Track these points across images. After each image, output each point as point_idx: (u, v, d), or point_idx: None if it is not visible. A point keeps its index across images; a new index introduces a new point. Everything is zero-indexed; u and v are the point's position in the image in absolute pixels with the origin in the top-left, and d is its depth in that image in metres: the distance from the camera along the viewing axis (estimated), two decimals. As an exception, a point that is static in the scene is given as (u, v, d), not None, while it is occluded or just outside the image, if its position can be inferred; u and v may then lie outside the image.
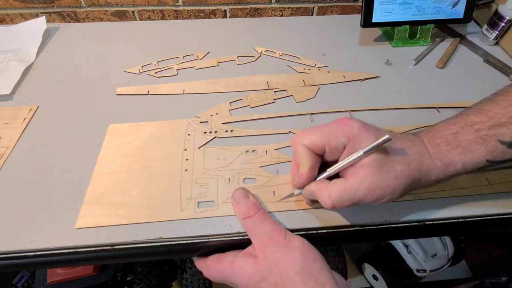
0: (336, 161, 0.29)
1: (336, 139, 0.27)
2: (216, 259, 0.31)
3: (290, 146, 0.41)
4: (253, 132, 0.42)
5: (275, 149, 0.40)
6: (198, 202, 0.35)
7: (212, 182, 0.36)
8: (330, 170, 0.29)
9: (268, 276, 0.26)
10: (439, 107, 0.46)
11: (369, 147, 0.26)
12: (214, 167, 0.38)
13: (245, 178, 0.37)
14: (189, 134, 0.42)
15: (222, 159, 0.39)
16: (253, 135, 0.42)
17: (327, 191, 0.27)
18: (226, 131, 0.42)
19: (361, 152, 0.26)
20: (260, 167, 0.38)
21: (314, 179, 0.30)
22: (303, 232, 0.33)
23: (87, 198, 0.35)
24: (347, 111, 0.45)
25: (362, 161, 0.27)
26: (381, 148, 0.26)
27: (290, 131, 0.42)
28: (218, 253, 0.32)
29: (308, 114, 0.45)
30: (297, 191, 0.32)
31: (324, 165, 0.30)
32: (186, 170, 0.38)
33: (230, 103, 0.47)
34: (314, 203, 0.33)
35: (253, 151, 0.40)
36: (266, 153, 0.40)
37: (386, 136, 0.25)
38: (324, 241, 0.33)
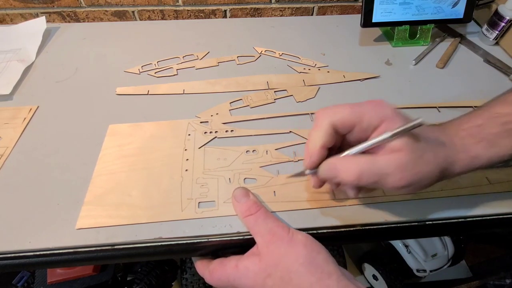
0: (355, 143, 0.27)
1: (369, 119, 0.26)
2: (220, 263, 0.30)
3: (290, 146, 0.41)
4: (254, 132, 0.42)
5: (276, 149, 0.40)
6: (199, 202, 0.35)
7: (213, 182, 0.36)
8: (355, 148, 0.27)
9: (274, 272, 0.26)
10: (439, 107, 0.46)
11: (399, 129, 0.24)
12: (215, 167, 0.38)
13: (245, 178, 0.37)
14: (189, 134, 0.42)
15: (222, 159, 0.39)
16: (253, 135, 0.42)
17: (355, 160, 0.26)
18: (227, 131, 0.42)
19: (389, 134, 0.25)
20: (261, 167, 0.38)
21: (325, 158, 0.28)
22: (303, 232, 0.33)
23: (88, 199, 0.35)
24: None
25: (392, 143, 0.25)
26: (412, 134, 0.25)
27: (290, 131, 0.42)
28: (221, 258, 0.31)
29: (308, 114, 0.45)
30: (308, 171, 0.29)
31: (338, 149, 0.29)
32: (186, 170, 0.38)
33: (230, 103, 0.47)
34: (322, 185, 0.31)
35: (253, 151, 0.40)
36: (267, 153, 0.40)
37: (419, 120, 0.24)
38: (324, 241, 0.33)
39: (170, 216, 0.33)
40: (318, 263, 0.26)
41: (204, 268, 0.31)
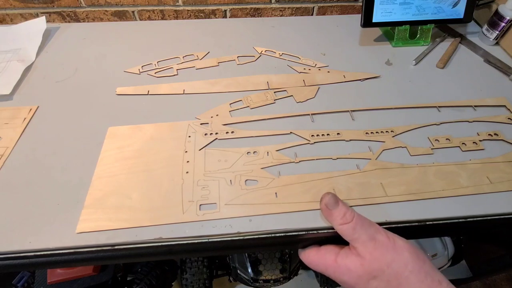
0: None
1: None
2: (317, 252, 0.32)
3: (291, 147, 0.41)
4: (254, 133, 0.42)
5: (277, 150, 0.40)
6: (200, 205, 0.34)
7: (214, 184, 0.36)
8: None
9: (380, 275, 0.27)
10: (439, 107, 0.46)
11: None
12: (215, 169, 0.38)
13: (246, 180, 0.37)
14: (189, 136, 0.42)
15: (223, 161, 0.39)
16: (254, 136, 0.42)
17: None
18: (227, 132, 0.42)
19: None
20: (262, 168, 0.38)
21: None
22: (304, 232, 0.33)
23: (88, 202, 0.35)
24: (348, 111, 0.45)
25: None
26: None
27: (291, 132, 0.42)
28: (316, 246, 0.33)
29: (309, 114, 0.45)
30: None
31: None
32: (187, 172, 0.37)
33: (230, 104, 0.47)
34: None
35: (254, 152, 0.40)
36: (268, 154, 0.39)
37: None
38: (324, 242, 0.33)
39: (172, 219, 0.33)
40: (426, 271, 0.27)
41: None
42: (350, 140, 0.41)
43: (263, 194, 0.35)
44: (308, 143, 0.41)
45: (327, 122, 0.44)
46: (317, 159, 0.39)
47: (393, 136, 0.42)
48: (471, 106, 0.46)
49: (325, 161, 0.39)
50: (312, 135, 0.42)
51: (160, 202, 0.35)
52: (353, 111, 0.45)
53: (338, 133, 0.42)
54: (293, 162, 0.39)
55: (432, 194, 0.35)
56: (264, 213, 0.34)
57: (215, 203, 0.35)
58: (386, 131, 0.42)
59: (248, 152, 0.40)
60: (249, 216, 0.34)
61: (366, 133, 0.42)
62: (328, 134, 0.42)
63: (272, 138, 0.42)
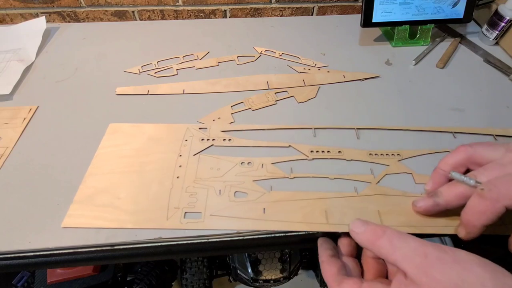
0: None
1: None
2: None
3: (288, 161, 0.38)
4: (251, 143, 0.40)
5: (272, 163, 0.38)
6: (185, 213, 0.33)
7: (202, 193, 0.35)
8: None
9: None
10: (455, 132, 0.42)
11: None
12: (207, 177, 0.36)
13: (236, 192, 0.35)
14: (186, 140, 0.40)
15: (215, 169, 0.37)
16: (250, 146, 0.40)
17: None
18: (224, 139, 0.41)
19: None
20: (254, 181, 0.36)
21: None
22: (304, 232, 0.33)
23: (77, 198, 0.34)
24: (353, 128, 0.42)
25: None
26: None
27: (290, 145, 0.40)
28: (350, 280, 0.26)
29: (311, 128, 0.43)
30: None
31: None
32: (178, 177, 0.36)
33: (231, 106, 0.46)
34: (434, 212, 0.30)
35: (248, 163, 0.38)
36: (262, 167, 0.38)
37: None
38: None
39: (154, 224, 0.32)
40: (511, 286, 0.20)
41: (333, 281, 0.26)
42: (352, 160, 0.38)
43: (251, 209, 0.33)
44: (306, 159, 0.39)
45: (330, 138, 0.41)
46: (313, 176, 0.37)
47: (399, 160, 0.38)
48: (491, 135, 0.41)
49: (321, 180, 0.36)
50: (312, 151, 0.39)
51: (145, 205, 0.34)
52: (359, 128, 0.42)
53: (339, 151, 0.39)
54: (287, 177, 0.36)
55: (435, 229, 0.31)
56: (249, 229, 0.32)
57: (200, 212, 0.33)
58: (392, 154, 0.39)
59: (242, 162, 0.38)
60: (233, 230, 0.32)
61: (370, 154, 0.39)
62: (328, 151, 0.39)
63: (270, 150, 0.40)
